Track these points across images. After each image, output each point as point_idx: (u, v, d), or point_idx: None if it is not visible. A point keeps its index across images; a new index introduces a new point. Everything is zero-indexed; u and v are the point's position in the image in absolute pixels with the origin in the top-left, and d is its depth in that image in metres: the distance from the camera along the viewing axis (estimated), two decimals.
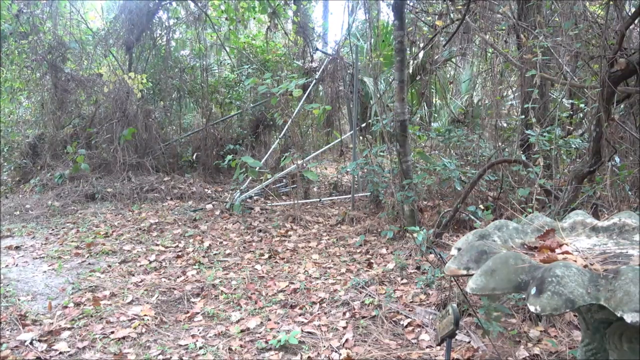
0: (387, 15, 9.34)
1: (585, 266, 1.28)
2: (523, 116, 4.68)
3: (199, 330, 2.91)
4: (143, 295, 3.37)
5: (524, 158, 4.30)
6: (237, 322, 3.01)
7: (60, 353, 2.61)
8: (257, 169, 5.86)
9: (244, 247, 4.56)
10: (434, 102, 8.78)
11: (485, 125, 6.23)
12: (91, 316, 3.03)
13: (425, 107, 8.19)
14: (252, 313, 3.14)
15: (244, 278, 3.73)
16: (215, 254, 4.34)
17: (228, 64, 9.24)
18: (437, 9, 6.40)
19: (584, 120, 5.27)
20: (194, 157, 7.72)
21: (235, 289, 3.54)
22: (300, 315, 3.11)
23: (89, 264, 4.05)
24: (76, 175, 6.50)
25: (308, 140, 8.13)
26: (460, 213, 4.44)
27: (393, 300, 3.26)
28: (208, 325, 2.98)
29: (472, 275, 1.30)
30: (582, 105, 4.66)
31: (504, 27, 5.37)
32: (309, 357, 2.60)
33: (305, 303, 3.28)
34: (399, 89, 4.60)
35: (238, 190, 6.13)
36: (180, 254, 4.32)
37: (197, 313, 3.13)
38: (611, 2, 3.11)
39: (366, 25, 7.60)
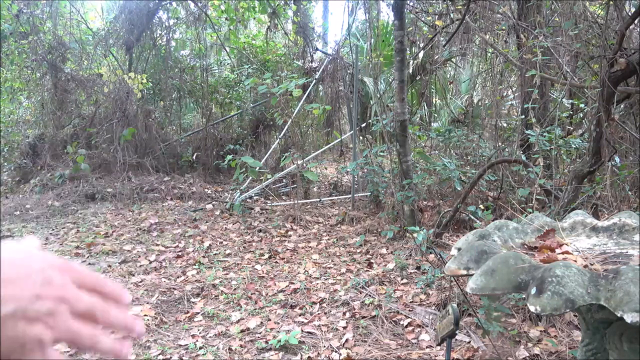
0: (387, 15, 9.35)
1: (585, 266, 1.28)
2: (523, 116, 4.67)
3: (199, 330, 2.91)
4: (143, 295, 3.37)
5: (524, 158, 4.30)
6: (237, 322, 3.01)
7: (60, 353, 2.61)
8: (257, 169, 5.86)
9: (244, 247, 4.56)
10: (434, 102, 8.77)
11: (485, 125, 6.24)
12: None
13: (425, 107, 8.18)
14: (252, 313, 3.14)
15: (244, 278, 3.73)
16: (215, 254, 4.34)
17: (228, 64, 9.24)
18: (437, 9, 6.40)
19: (584, 120, 5.27)
20: (194, 157, 7.71)
21: (235, 289, 3.54)
22: (300, 315, 3.11)
23: (89, 264, 4.05)
24: (76, 175, 6.50)
25: (308, 140, 8.12)
26: (460, 213, 4.44)
27: (393, 300, 3.26)
28: (208, 325, 2.98)
29: (472, 275, 1.30)
30: (582, 105, 4.66)
31: (504, 27, 5.37)
32: (309, 357, 2.60)
33: (305, 303, 3.27)
34: (399, 89, 4.59)
35: (238, 190, 6.13)
36: (180, 254, 4.32)
37: (197, 313, 3.13)
38: (611, 2, 3.11)
39: (366, 25, 7.60)
